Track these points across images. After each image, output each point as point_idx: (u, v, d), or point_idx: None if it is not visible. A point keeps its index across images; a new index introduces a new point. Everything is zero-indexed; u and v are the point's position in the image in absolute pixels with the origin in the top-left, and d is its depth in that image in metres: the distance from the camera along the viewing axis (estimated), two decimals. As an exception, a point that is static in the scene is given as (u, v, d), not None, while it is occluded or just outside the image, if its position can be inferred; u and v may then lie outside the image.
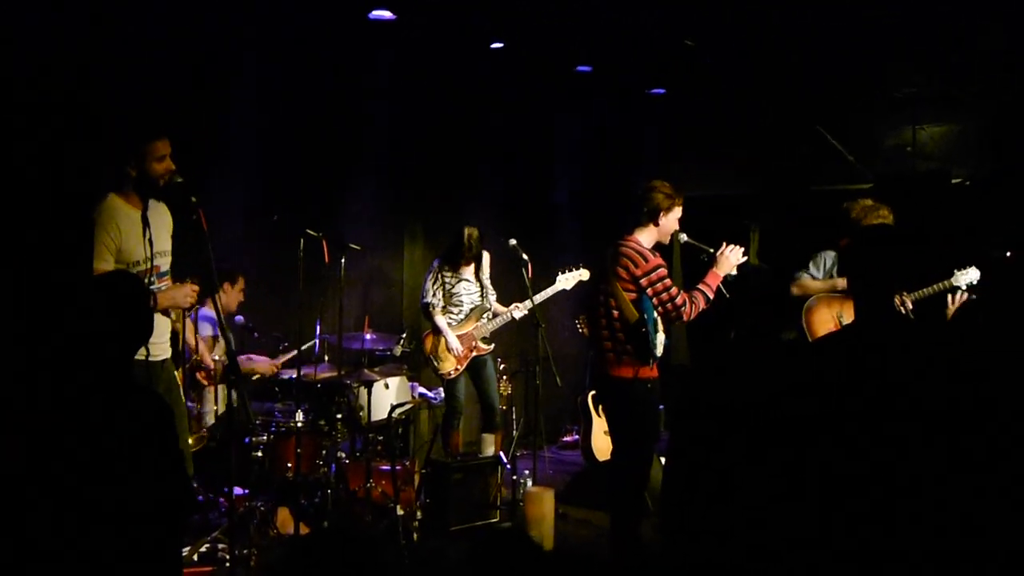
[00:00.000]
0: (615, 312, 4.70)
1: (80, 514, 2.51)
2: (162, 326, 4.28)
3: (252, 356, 6.35)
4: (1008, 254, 5.13)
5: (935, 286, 5.11)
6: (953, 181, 7.83)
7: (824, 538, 2.27)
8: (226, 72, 6.62)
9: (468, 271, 6.55)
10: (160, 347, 4.26)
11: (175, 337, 4.44)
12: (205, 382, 5.43)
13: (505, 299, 6.71)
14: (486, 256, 6.63)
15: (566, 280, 6.55)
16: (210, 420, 5.71)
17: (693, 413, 2.66)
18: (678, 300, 4.64)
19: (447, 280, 6.51)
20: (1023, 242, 5.95)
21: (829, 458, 2.28)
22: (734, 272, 4.86)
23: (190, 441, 5.04)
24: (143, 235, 4.12)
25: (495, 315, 6.59)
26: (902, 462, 2.22)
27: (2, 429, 2.53)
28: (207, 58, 6.40)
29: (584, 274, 6.54)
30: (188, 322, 4.38)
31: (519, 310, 6.51)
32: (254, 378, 6.31)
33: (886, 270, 2.56)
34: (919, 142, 8.22)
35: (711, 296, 4.76)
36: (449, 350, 6.45)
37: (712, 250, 4.88)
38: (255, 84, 6.84)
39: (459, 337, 6.45)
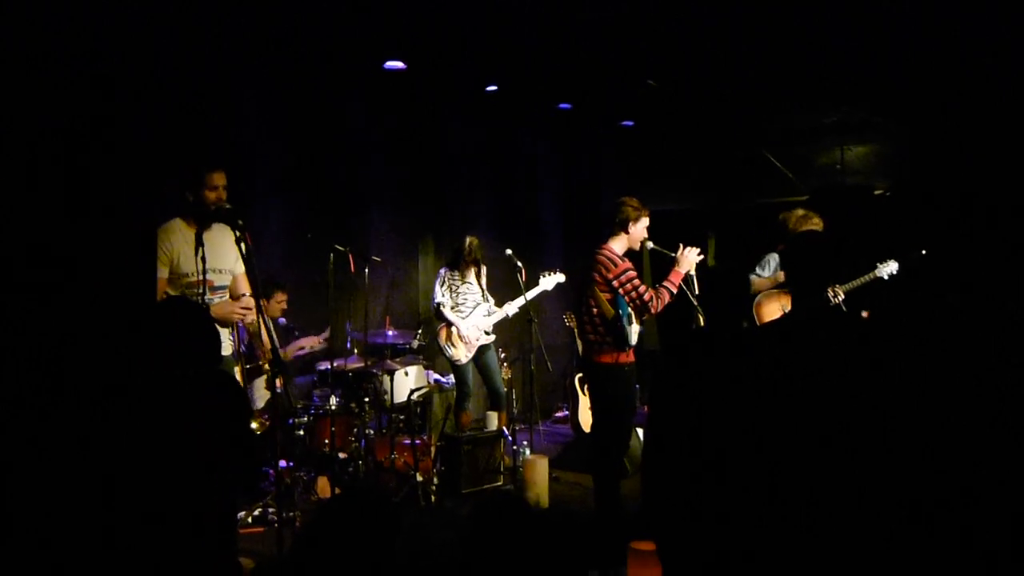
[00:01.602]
0: (595, 309, 4.73)
1: (180, 471, 2.53)
2: (220, 330, 4.30)
3: (299, 341, 6.45)
4: (923, 252, 5.15)
5: (862, 278, 5.15)
6: (875, 192, 7.86)
7: (777, 489, 2.29)
8: (262, 115, 6.65)
9: (471, 274, 6.57)
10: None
11: (240, 339, 4.45)
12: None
13: (502, 299, 6.73)
14: (483, 268, 6.67)
15: (547, 282, 6.63)
16: (259, 404, 5.73)
17: (668, 389, 2.69)
18: (645, 296, 4.67)
19: (453, 282, 6.55)
20: (934, 240, 5.97)
21: (776, 417, 2.30)
22: (693, 272, 4.89)
23: (254, 425, 5.07)
24: (195, 253, 4.06)
25: (492, 311, 6.62)
26: (829, 416, 2.25)
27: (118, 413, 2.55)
28: (246, 104, 6.44)
29: (560, 277, 6.63)
30: (263, 327, 4.33)
31: (511, 307, 6.56)
32: (303, 352, 6.42)
33: (813, 267, 2.60)
34: (846, 161, 8.25)
35: (675, 290, 4.78)
36: (460, 338, 6.48)
37: (673, 254, 4.90)
38: (288, 124, 6.87)
39: (467, 329, 6.48)
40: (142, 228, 2.96)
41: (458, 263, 6.53)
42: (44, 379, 2.58)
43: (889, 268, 5.14)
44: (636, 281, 4.68)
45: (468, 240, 6.50)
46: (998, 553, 1.96)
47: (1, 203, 2.53)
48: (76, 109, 2.68)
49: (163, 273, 4.06)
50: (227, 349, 4.31)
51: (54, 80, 2.62)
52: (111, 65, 2.79)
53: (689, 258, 4.84)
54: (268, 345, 5.11)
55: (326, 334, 6.40)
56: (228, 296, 4.43)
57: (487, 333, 6.60)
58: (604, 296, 4.69)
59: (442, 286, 6.54)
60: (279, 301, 6.37)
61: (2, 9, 2.54)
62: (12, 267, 2.53)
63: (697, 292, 4.88)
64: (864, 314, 4.96)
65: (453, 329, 6.48)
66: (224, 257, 4.31)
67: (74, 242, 2.65)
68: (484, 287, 6.62)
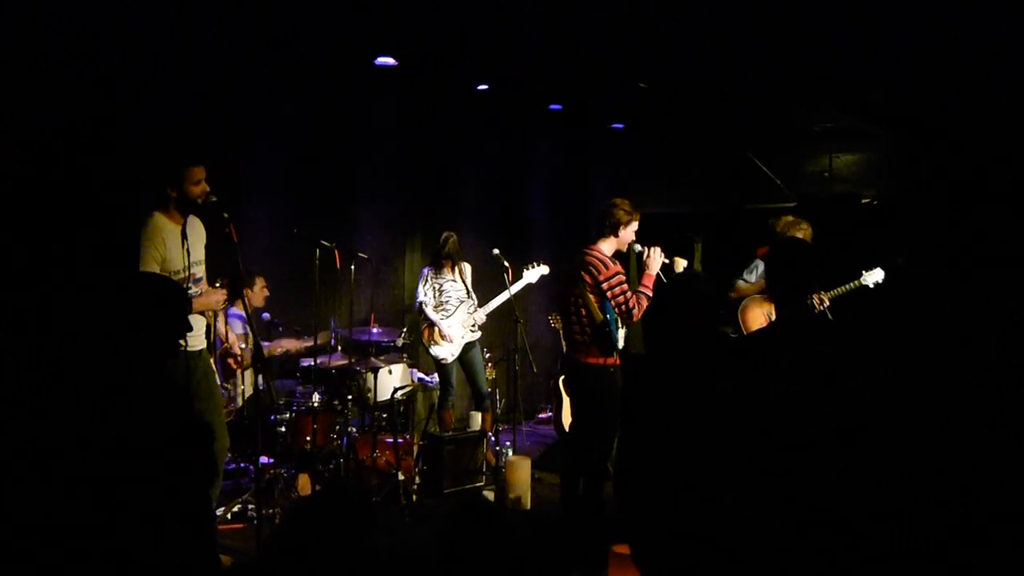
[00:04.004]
0: (583, 311, 4.72)
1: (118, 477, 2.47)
2: (198, 322, 4.27)
3: (281, 341, 6.36)
4: (900, 260, 5.20)
5: (846, 285, 5.19)
6: (863, 200, 7.89)
7: (750, 495, 2.29)
8: (255, 110, 6.62)
9: (453, 272, 6.55)
10: (196, 339, 4.24)
11: (208, 330, 4.44)
12: (235, 366, 5.42)
13: (489, 299, 6.70)
14: (467, 266, 6.65)
15: (531, 275, 6.55)
16: (239, 401, 5.70)
17: (642, 394, 2.68)
18: (631, 303, 4.67)
19: (435, 281, 6.53)
20: (920, 249, 6.00)
21: (752, 422, 2.31)
22: (678, 269, 4.91)
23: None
24: (182, 247, 4.11)
25: (477, 310, 6.60)
26: (807, 419, 2.26)
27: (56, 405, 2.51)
28: (240, 99, 6.41)
29: (544, 269, 6.58)
30: (220, 315, 4.35)
31: (494, 302, 6.55)
32: (287, 351, 6.33)
33: (795, 274, 2.60)
34: (835, 168, 8.27)
35: (651, 294, 4.77)
36: (443, 337, 6.46)
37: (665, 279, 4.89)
38: (280, 119, 6.84)
39: (451, 327, 6.47)
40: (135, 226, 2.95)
41: (438, 260, 6.53)
42: (44, 379, 2.56)
43: (875, 276, 5.18)
44: (625, 287, 4.67)
45: (445, 235, 6.49)
46: (997, 552, 1.97)
47: (1, 203, 2.52)
48: (76, 109, 2.67)
49: (155, 270, 4.06)
50: (202, 343, 4.29)
51: (54, 80, 2.61)
52: (111, 65, 2.78)
53: (654, 257, 4.84)
54: (232, 342, 5.07)
55: (308, 343, 6.33)
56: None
57: (472, 331, 6.58)
58: (593, 298, 4.68)
59: (424, 285, 6.53)
60: (262, 287, 6.32)
61: (2, 9, 2.53)
62: (12, 267, 2.52)
63: (666, 281, 4.89)
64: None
65: (436, 329, 6.48)
66: (198, 249, 4.32)
67: (74, 242, 2.64)
68: (468, 285, 6.60)
